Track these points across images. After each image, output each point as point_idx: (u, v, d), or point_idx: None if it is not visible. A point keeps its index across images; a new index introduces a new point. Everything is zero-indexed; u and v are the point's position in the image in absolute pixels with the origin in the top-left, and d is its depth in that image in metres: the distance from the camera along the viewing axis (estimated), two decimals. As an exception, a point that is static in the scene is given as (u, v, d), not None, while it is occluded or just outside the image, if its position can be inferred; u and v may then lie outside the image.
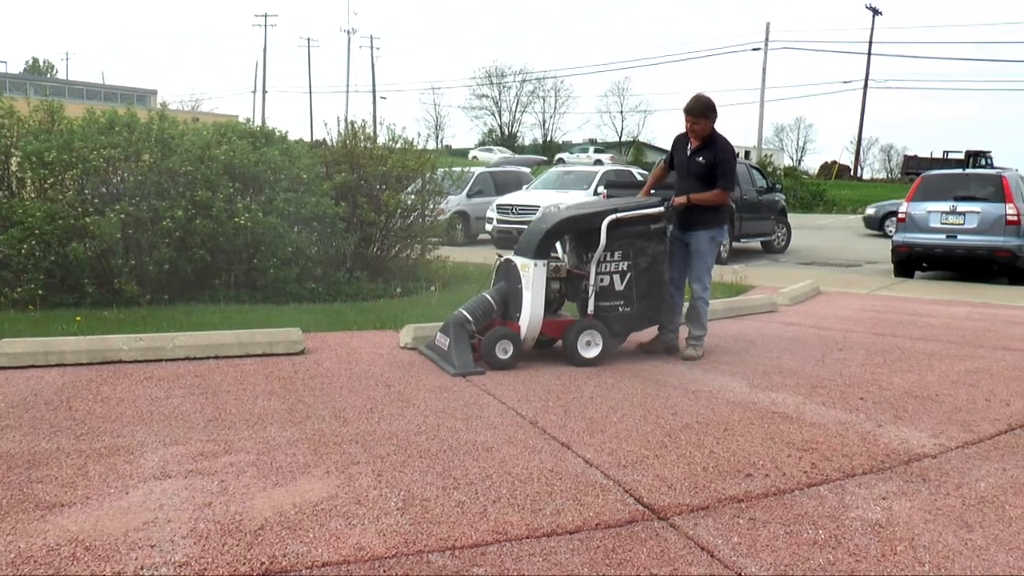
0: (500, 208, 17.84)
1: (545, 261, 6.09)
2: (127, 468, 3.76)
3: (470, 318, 6.02)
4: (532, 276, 6.00)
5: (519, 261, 6.12)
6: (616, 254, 6.22)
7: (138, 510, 3.28)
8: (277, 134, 10.28)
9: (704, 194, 6.50)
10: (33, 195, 8.68)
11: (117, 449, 4.01)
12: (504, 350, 5.90)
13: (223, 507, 3.33)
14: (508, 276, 6.22)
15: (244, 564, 2.84)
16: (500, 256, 6.46)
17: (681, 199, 6.49)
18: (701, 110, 6.45)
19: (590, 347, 6.12)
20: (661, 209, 6.39)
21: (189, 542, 3.00)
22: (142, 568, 2.78)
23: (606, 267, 6.22)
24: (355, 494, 3.50)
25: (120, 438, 4.19)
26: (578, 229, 6.34)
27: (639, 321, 6.46)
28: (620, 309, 6.31)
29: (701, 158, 6.49)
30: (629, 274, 6.28)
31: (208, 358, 6.00)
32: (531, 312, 5.99)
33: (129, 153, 8.71)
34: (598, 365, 6.09)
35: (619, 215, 6.19)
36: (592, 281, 6.17)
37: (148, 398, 4.96)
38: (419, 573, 2.81)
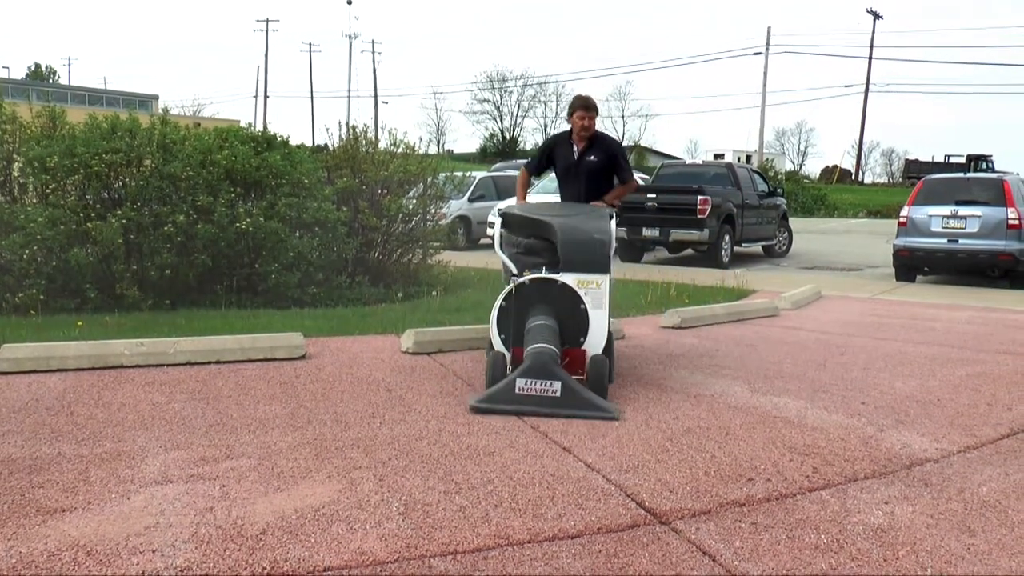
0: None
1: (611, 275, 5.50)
2: (128, 473, 3.76)
3: (557, 352, 5.06)
4: (604, 293, 5.34)
5: (578, 278, 5.31)
6: None
7: (139, 515, 3.27)
8: (279, 139, 10.30)
9: (618, 191, 6.50)
10: (35, 200, 8.71)
11: (118, 454, 4.01)
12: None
13: (225, 512, 3.33)
14: (555, 298, 5.28)
15: (246, 569, 2.84)
16: (517, 277, 5.46)
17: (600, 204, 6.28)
18: (595, 106, 6.37)
19: None
20: None
21: (191, 547, 2.99)
22: (143, 573, 2.78)
23: None
24: (357, 499, 3.50)
25: (121, 443, 4.19)
26: None
27: None
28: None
29: (592, 157, 6.33)
30: None
31: (210, 363, 6.00)
32: (603, 332, 5.32)
33: (131, 158, 8.73)
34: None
35: (615, 219, 5.91)
36: None
37: (149, 403, 4.96)
38: (421, 578, 2.81)
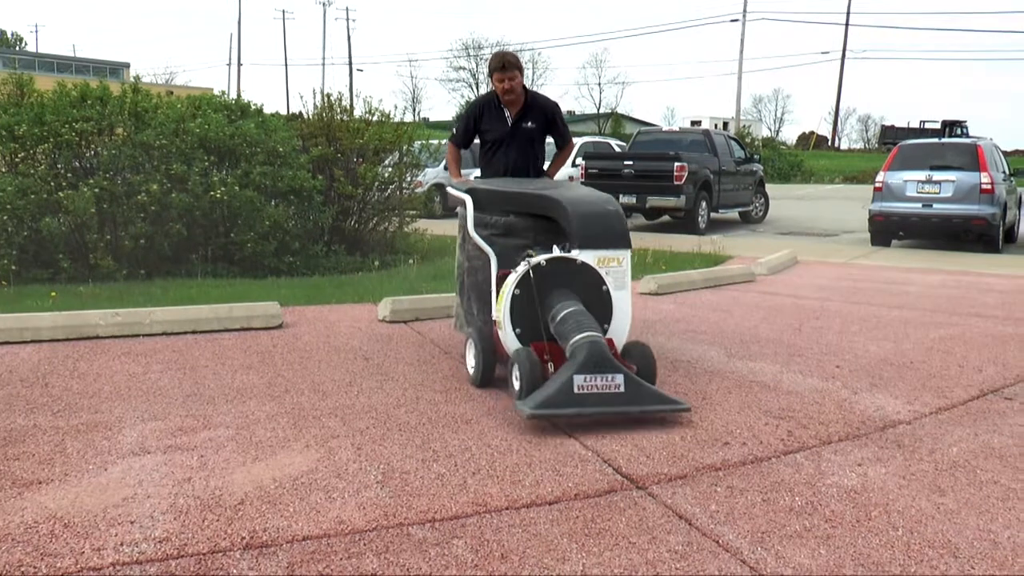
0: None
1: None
2: (105, 444, 3.74)
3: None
4: (627, 270, 4.70)
5: (598, 256, 4.61)
6: None
7: (117, 486, 3.27)
8: (253, 107, 10.20)
9: (560, 161, 5.93)
10: (4, 169, 8.59)
11: (95, 425, 3.99)
12: None
13: (203, 482, 3.32)
14: (574, 280, 4.55)
15: (224, 539, 2.84)
16: (530, 256, 4.63)
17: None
18: (516, 62, 5.51)
19: None
20: None
21: (169, 517, 2.99)
22: (122, 544, 2.78)
23: None
24: (335, 468, 3.50)
25: (98, 414, 4.17)
26: None
27: None
28: None
29: (530, 122, 5.61)
30: None
31: (186, 333, 5.97)
32: (628, 316, 4.71)
33: (102, 127, 8.64)
34: None
35: None
36: None
37: (126, 374, 4.93)
38: (399, 546, 2.83)
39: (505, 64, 5.42)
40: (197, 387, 4.68)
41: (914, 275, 9.97)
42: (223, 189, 8.70)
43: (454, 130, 5.90)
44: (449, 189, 5.51)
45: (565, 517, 3.08)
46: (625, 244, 4.70)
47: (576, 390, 4.03)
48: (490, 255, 4.86)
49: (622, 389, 4.08)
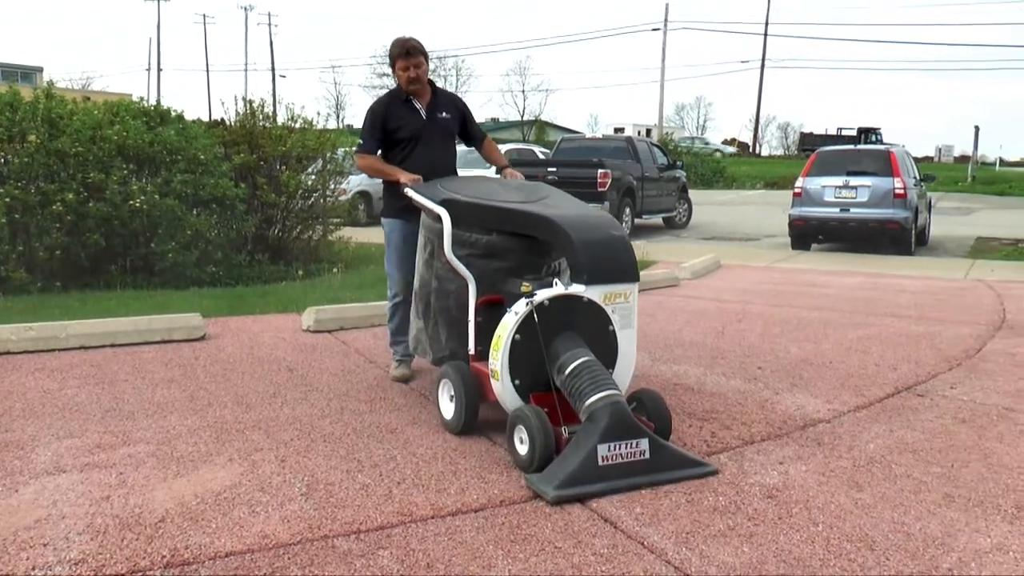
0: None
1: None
2: (17, 464, 3.62)
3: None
4: (633, 307, 4.11)
5: (604, 291, 3.98)
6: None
7: (29, 507, 3.16)
8: (173, 114, 9.99)
9: (498, 156, 5.36)
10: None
11: (6, 445, 3.86)
12: None
13: (122, 500, 3.24)
14: (579, 320, 3.95)
15: (144, 558, 2.77)
16: (532, 296, 3.88)
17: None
18: (421, 47, 4.93)
19: None
20: None
21: (85, 538, 2.91)
22: (34, 568, 2.69)
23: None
24: (258, 481, 3.45)
25: (9, 433, 4.02)
26: None
27: None
28: None
29: (445, 113, 5.07)
30: None
31: (104, 347, 5.81)
32: (632, 359, 4.17)
33: (13, 134, 8.34)
34: None
35: None
36: None
37: (40, 390, 4.78)
38: (324, 558, 2.79)
39: (409, 50, 4.87)
40: (116, 402, 4.56)
41: (833, 277, 10.24)
42: (143, 198, 8.50)
43: (360, 140, 5.13)
44: (413, 194, 4.60)
45: (491, 524, 3.09)
46: (633, 277, 4.10)
47: (600, 462, 3.50)
48: (469, 280, 4.23)
49: (647, 455, 3.59)
